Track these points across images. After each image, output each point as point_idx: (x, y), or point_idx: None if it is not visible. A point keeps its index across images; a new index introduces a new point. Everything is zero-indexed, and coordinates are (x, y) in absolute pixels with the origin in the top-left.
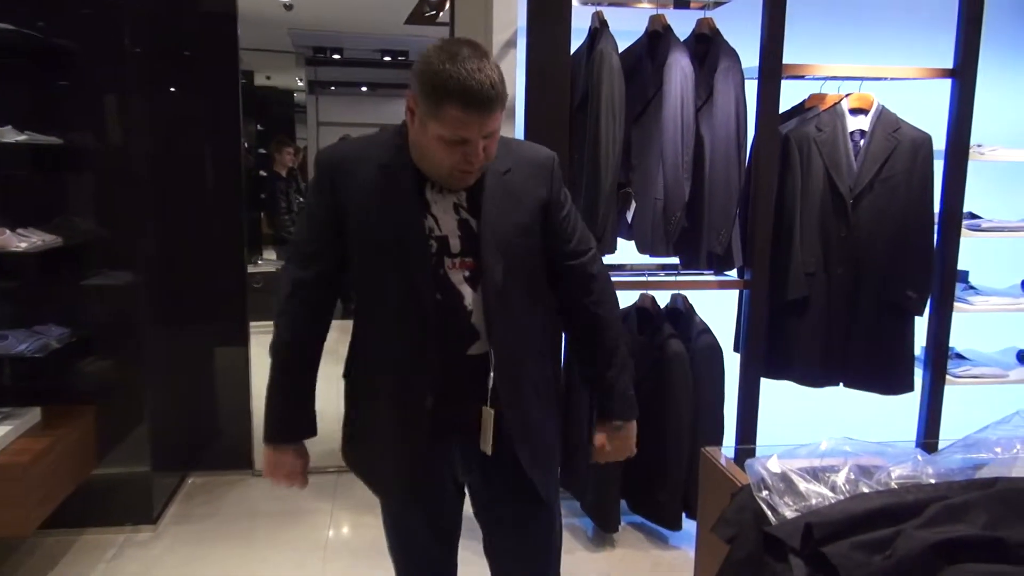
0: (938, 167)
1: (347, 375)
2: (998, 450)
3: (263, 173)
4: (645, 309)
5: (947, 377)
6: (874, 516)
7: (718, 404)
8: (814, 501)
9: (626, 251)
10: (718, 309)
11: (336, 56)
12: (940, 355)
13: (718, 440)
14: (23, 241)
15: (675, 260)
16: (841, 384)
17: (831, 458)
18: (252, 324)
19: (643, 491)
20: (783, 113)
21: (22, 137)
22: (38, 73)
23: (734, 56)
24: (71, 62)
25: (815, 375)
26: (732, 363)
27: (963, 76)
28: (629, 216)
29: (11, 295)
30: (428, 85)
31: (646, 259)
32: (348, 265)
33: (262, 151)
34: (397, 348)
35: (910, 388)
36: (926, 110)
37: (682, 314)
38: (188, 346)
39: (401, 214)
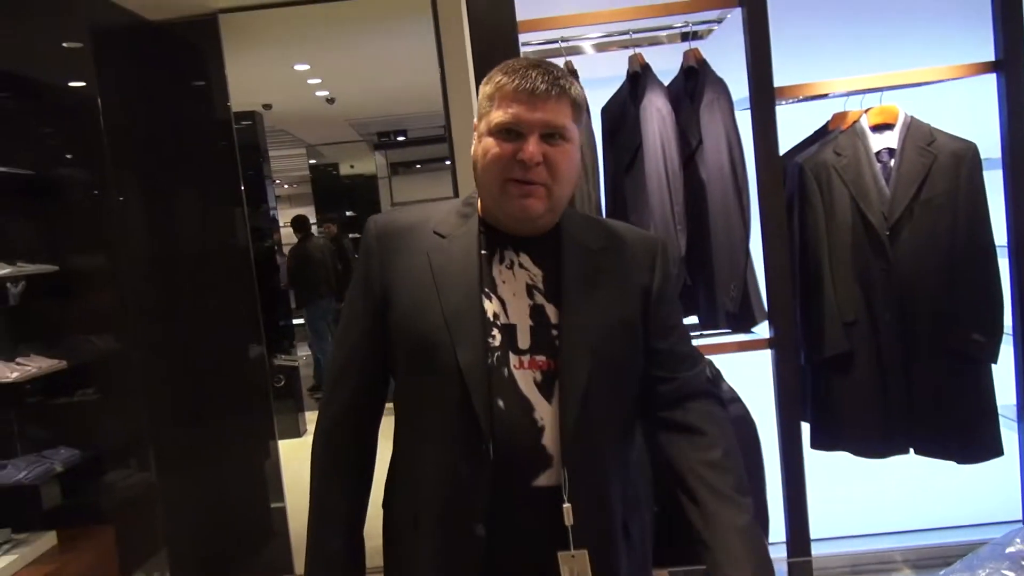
0: (996, 179)
1: (386, 506)
2: None
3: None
4: None
5: None
6: None
7: (757, 482)
8: None
9: None
10: (756, 374)
11: (401, 138)
12: None
13: (762, 526)
14: (15, 371)
15: (694, 320)
16: (911, 451)
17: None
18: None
19: None
20: (804, 140)
21: (7, 270)
22: (32, 203)
23: (719, 86)
24: (66, 189)
25: (874, 444)
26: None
27: (1009, 68)
28: None
29: (16, 422)
30: (486, 83)
31: None
32: (392, 371)
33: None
34: (444, 473)
35: (999, 452)
36: (965, 115)
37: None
38: (211, 449)
39: (456, 293)
